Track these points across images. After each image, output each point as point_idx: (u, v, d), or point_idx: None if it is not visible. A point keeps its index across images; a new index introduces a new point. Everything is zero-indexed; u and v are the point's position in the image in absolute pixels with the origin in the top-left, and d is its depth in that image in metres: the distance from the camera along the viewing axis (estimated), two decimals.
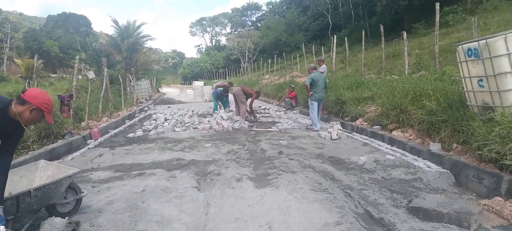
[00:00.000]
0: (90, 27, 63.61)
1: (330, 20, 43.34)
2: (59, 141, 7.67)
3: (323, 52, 20.36)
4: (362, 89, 10.29)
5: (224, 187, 4.43)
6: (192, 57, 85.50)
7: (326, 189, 4.25)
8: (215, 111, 13.09)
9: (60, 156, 6.97)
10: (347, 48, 16.92)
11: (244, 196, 4.06)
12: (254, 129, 9.17)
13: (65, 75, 36.63)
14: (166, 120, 11.27)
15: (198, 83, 47.31)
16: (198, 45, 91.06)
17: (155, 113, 14.39)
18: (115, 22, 20.89)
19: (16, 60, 27.28)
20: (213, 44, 79.37)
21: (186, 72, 72.79)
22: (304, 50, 24.67)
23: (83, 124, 9.85)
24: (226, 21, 76.68)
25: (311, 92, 9.11)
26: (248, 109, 11.53)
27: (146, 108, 16.95)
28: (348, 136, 8.18)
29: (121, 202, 4.08)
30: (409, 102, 7.06)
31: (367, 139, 7.63)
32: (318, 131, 9.09)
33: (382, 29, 13.07)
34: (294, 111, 13.89)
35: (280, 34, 46.21)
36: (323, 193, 4.11)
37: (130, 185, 4.70)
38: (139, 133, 9.29)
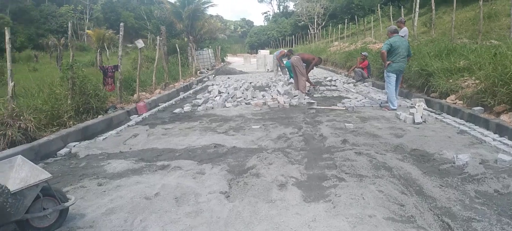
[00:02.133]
0: None
1: None
2: (99, 116, 7.04)
3: (402, 14, 17.66)
4: (454, 58, 8.16)
5: (259, 199, 3.18)
6: (260, 26, 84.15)
7: (412, 217, 2.77)
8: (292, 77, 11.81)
9: (96, 134, 6.30)
10: (433, 6, 14.18)
11: (283, 221, 2.76)
12: (315, 106, 7.69)
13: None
14: (219, 93, 10.28)
15: (263, 52, 46.15)
16: (266, 12, 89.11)
17: (212, 84, 13.54)
18: None
19: (88, 31, 28.48)
20: (281, 10, 76.78)
21: (253, 40, 71.80)
22: (379, 13, 21.90)
23: (135, 96, 9.28)
24: None
25: (388, 62, 7.33)
26: (309, 84, 10.08)
27: (205, 79, 16.24)
28: (436, 118, 6.35)
29: (123, 212, 3.07)
30: None
31: (463, 124, 5.78)
32: (395, 109, 7.36)
33: None
34: (366, 84, 12.01)
35: None
36: (407, 227, 2.65)
37: (146, 183, 3.69)
38: (187, 108, 8.40)
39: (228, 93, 9.79)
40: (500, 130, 5.00)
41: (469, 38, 13.16)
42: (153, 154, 4.89)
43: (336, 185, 3.43)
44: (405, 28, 9.22)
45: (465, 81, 7.12)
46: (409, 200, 3.06)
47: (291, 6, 71.79)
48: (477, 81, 6.64)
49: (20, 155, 2.95)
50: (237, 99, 8.86)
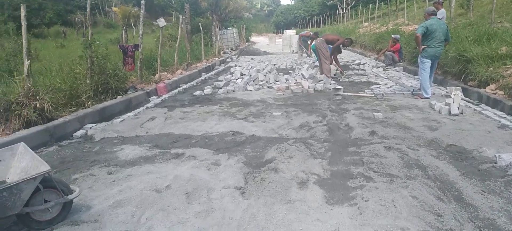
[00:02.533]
0: None
1: None
2: (118, 97, 6.92)
3: None
4: (495, 44, 7.46)
5: (277, 199, 2.90)
6: (287, 5, 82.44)
7: (451, 230, 2.41)
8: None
9: (114, 115, 6.20)
10: None
11: (302, 229, 2.46)
12: (341, 92, 7.25)
13: (167, 23, 37.79)
14: (242, 75, 9.96)
15: (289, 32, 45.23)
16: None
17: (235, 66, 13.23)
18: None
19: (114, 8, 28.58)
20: None
21: (279, 20, 70.53)
22: None
23: (156, 76, 9.14)
24: None
25: (423, 46, 6.77)
26: (333, 66, 9.56)
27: (228, 60, 15.96)
28: (474, 110, 5.82)
29: (131, 205, 2.88)
30: None
31: (504, 118, 5.24)
32: (429, 98, 6.84)
33: None
34: (396, 68, 11.37)
35: None
36: None
37: (158, 173, 3.48)
38: (207, 90, 8.17)
39: (250, 75, 9.47)
40: None
41: (510, 22, 12.17)
42: (168, 139, 4.68)
43: (363, 186, 3.09)
44: (442, 10, 8.54)
45: (507, 70, 6.48)
46: (447, 208, 2.69)
47: None
48: None
49: (22, 142, 2.78)
50: (259, 83, 8.53)
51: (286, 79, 8.77)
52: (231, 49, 20.85)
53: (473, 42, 8.06)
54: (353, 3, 46.70)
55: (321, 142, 4.41)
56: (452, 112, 5.50)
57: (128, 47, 7.96)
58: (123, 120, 5.85)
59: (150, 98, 7.53)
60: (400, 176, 3.28)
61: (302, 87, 7.89)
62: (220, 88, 8.48)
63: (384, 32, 16.44)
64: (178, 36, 11.21)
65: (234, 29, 22.95)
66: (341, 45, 9.55)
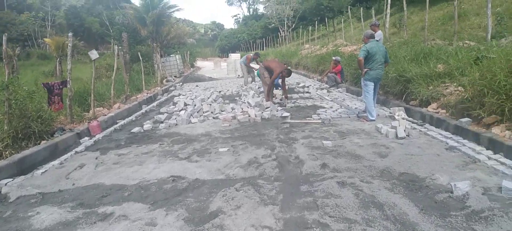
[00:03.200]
0: (130, 2, 63.19)
1: None
2: (42, 142, 6.06)
3: (373, 16, 17.42)
4: (432, 62, 7.75)
5: None
6: (230, 29, 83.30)
7: None
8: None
9: (35, 165, 5.36)
10: (405, 6, 13.93)
11: None
12: (289, 120, 7.01)
13: (105, 52, 35.97)
14: (185, 105, 9.43)
15: (234, 56, 45.40)
16: (236, 15, 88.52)
17: (178, 95, 12.66)
18: None
19: (45, 40, 26.68)
20: (251, 13, 76.31)
21: (223, 44, 70.87)
22: (350, 14, 21.71)
23: (91, 112, 8.31)
24: None
25: (365, 69, 6.79)
26: (278, 93, 9.37)
27: (171, 88, 15.31)
28: (420, 131, 5.84)
29: None
30: None
31: (450, 138, 5.27)
32: (374, 120, 6.85)
33: None
34: (340, 89, 11.53)
35: None
36: None
37: None
38: (147, 125, 7.54)
39: (195, 106, 8.99)
40: (494, 145, 4.51)
41: (441, 39, 13.00)
42: (97, 193, 4.04)
43: None
44: (379, 32, 8.77)
45: (446, 88, 6.68)
46: None
47: (261, 8, 71.50)
48: (460, 88, 6.22)
49: None
50: (203, 114, 8.06)
51: (232, 108, 8.40)
52: (175, 76, 20.20)
53: (411, 61, 8.33)
54: (293, 25, 48.32)
55: (271, 181, 4.04)
56: (399, 135, 5.46)
57: (54, 85, 7.14)
58: (45, 171, 5.06)
59: (81, 140, 6.73)
60: (358, 220, 2.99)
61: (249, 116, 7.56)
62: (162, 122, 7.89)
63: (325, 54, 16.86)
64: (115, 67, 10.45)
65: (177, 55, 22.35)
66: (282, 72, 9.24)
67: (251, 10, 76.83)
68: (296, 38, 38.95)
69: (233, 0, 78.53)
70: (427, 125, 6.18)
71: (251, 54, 13.98)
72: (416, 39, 12.98)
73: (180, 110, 8.86)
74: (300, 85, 13.04)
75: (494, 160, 4.22)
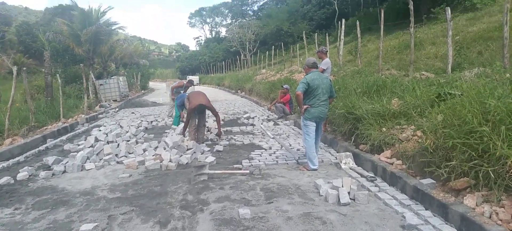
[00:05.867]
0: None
1: (336, 8, 39.04)
2: None
3: (328, 43, 16.49)
4: (386, 97, 6.53)
5: None
6: (193, 51, 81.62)
7: None
8: (175, 125, 9.41)
9: None
10: (359, 34, 13.00)
11: None
12: (207, 171, 5.36)
13: (59, 70, 32.57)
14: (96, 141, 7.57)
15: (193, 78, 43.71)
16: (197, 37, 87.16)
17: (104, 125, 10.76)
18: (75, 5, 16.98)
19: None
20: (213, 35, 75.23)
21: (184, 65, 69.04)
22: (305, 41, 20.83)
23: None
24: (227, 11, 72.39)
25: (305, 106, 5.40)
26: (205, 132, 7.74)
27: (101, 115, 13.33)
28: (369, 192, 4.41)
29: None
30: (505, 137, 3.33)
31: (408, 207, 3.88)
32: (316, 169, 5.44)
33: (411, 6, 9.19)
34: (287, 122, 10.16)
35: (282, 23, 42.20)
36: None
37: None
38: (23, 173, 5.64)
39: (109, 142, 7.22)
40: (468, 227, 3.14)
41: (396, 68, 12.11)
42: None
43: None
44: (327, 60, 7.48)
45: (402, 131, 5.40)
46: None
47: (223, 31, 70.81)
48: (419, 133, 4.94)
49: None
50: (104, 157, 6.27)
51: (144, 150, 6.67)
52: (115, 100, 18.14)
53: (362, 95, 7.10)
54: (254, 49, 47.60)
55: None
56: (341, 201, 4.01)
57: None
58: None
59: None
60: None
61: (162, 161, 5.90)
62: (50, 166, 6.06)
63: (277, 80, 15.63)
64: (12, 93, 8.48)
65: (120, 77, 20.30)
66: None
67: (213, 32, 75.92)
68: (258, 63, 38.09)
69: (195, 22, 77.32)
70: (379, 181, 4.81)
71: (184, 81, 12.03)
72: (371, 69, 12.02)
73: (87, 148, 7.01)
74: (246, 115, 11.54)
75: None
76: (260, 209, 3.99)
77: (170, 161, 5.90)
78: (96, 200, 4.48)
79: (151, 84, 40.13)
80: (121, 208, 4.16)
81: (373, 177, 4.91)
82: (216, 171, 5.32)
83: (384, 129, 5.64)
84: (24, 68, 10.06)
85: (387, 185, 4.61)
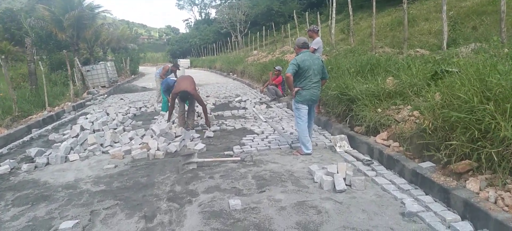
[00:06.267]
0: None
1: None
2: None
3: (319, 21, 16.14)
4: (381, 76, 6.31)
5: None
6: (183, 33, 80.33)
7: None
8: (164, 111, 9.13)
9: None
10: (351, 12, 12.68)
11: None
12: (195, 159, 5.13)
13: (44, 57, 31.68)
14: (82, 130, 7.27)
15: (183, 62, 42.98)
16: (187, 20, 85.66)
17: (90, 112, 10.43)
18: None
19: None
20: (203, 17, 73.82)
21: (175, 48, 67.88)
22: (296, 20, 20.42)
23: None
24: None
25: (296, 89, 5.16)
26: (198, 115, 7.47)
27: (89, 102, 12.95)
28: (365, 178, 4.22)
29: None
30: (510, 117, 3.14)
31: (408, 192, 3.71)
32: (309, 153, 5.25)
33: None
34: (280, 104, 9.93)
35: (272, 3, 41.45)
36: None
37: None
38: (4, 166, 5.37)
39: (95, 131, 6.94)
40: (472, 213, 2.97)
41: (390, 46, 11.86)
42: None
43: None
44: (318, 39, 7.17)
45: (398, 112, 5.20)
46: None
47: (213, 13, 69.52)
48: (416, 113, 4.73)
49: None
50: (88, 148, 6.00)
51: (130, 139, 6.40)
52: (103, 86, 17.70)
53: (356, 74, 6.86)
54: (245, 30, 46.85)
55: None
56: (337, 187, 3.82)
57: None
58: None
59: None
60: None
61: (149, 150, 5.65)
62: (32, 158, 5.79)
63: (269, 62, 15.31)
64: None
65: (108, 63, 19.78)
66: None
67: (202, 14, 74.48)
68: (249, 44, 37.53)
69: (184, 4, 75.73)
70: (375, 164, 4.63)
71: (169, 65, 11.56)
72: (364, 47, 11.76)
73: (72, 138, 6.72)
74: (237, 98, 11.27)
75: None
76: (251, 199, 3.79)
77: (158, 149, 5.65)
78: (78, 194, 4.24)
79: (142, 68, 39.44)
80: (105, 202, 3.93)
81: (369, 160, 4.73)
82: (206, 159, 5.10)
83: (379, 110, 5.44)
84: (9, 56, 9.62)
85: (384, 169, 4.44)
